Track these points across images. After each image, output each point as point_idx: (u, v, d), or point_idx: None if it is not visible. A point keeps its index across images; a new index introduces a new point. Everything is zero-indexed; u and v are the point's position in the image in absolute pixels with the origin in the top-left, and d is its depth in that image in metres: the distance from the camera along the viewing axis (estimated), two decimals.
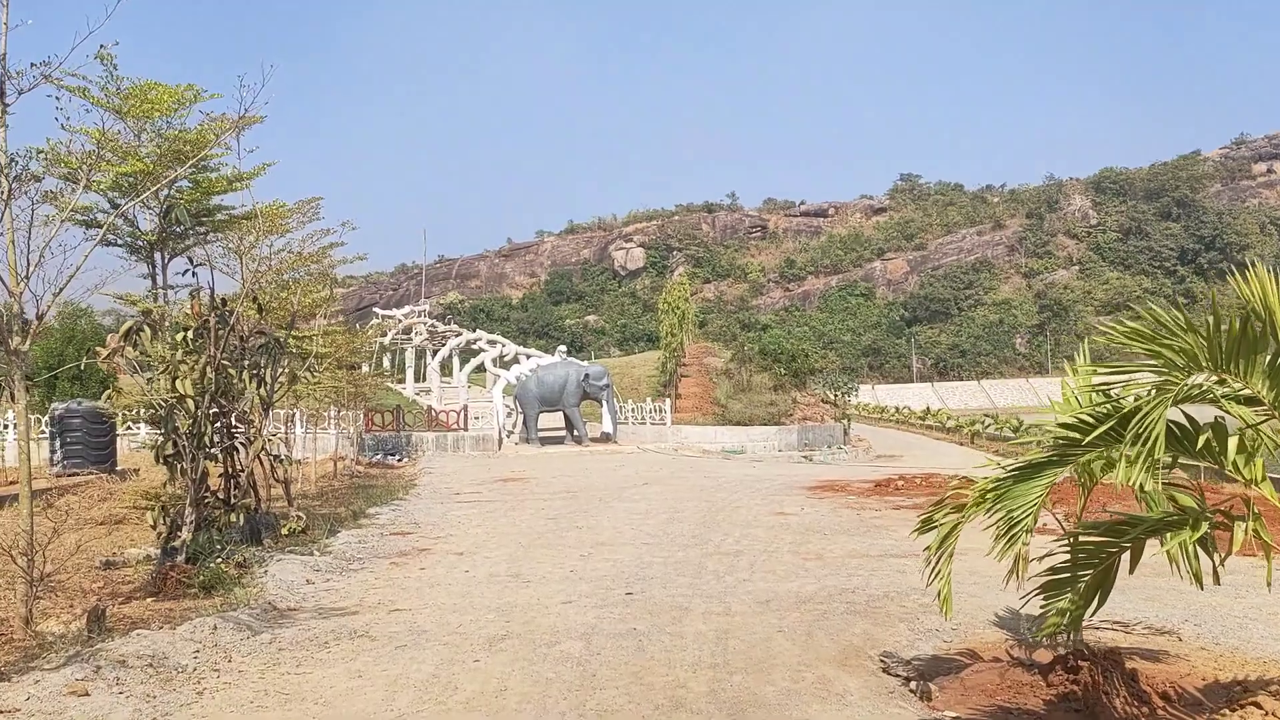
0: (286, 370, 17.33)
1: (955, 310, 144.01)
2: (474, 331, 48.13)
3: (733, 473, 24.48)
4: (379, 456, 33.92)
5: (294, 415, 27.31)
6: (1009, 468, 5.27)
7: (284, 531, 12.80)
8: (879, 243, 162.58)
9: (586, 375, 37.21)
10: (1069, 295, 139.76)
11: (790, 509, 15.71)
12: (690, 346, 54.87)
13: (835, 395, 54.19)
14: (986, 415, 51.84)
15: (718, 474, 24.01)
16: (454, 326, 54.72)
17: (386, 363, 52.12)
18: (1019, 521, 5.01)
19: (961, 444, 53.00)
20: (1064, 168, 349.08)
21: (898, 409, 78.35)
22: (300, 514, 13.37)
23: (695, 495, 18.41)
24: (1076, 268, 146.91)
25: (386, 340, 49.99)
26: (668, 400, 39.99)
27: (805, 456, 38.55)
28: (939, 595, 5.53)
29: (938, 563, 5.49)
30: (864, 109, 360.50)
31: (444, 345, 46.34)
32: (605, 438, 37.76)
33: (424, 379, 52.52)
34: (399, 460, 33.63)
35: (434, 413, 36.94)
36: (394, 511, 16.73)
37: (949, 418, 61.59)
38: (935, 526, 5.69)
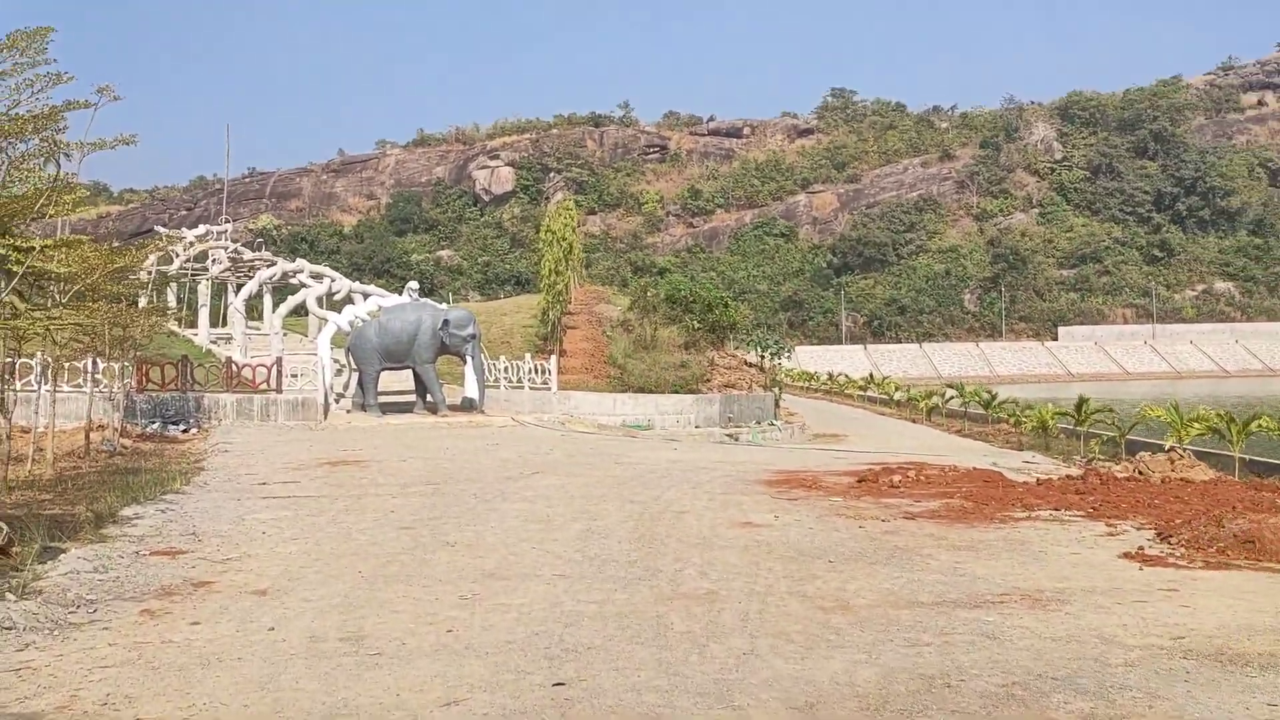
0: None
1: (894, 258, 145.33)
2: (292, 261, 44.28)
3: (651, 458, 21.99)
4: (156, 426, 30.26)
5: (16, 365, 23.53)
6: None
7: None
8: (804, 172, 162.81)
9: (445, 322, 34.15)
10: (1027, 244, 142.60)
11: (758, 516, 13.26)
12: (578, 290, 52.21)
13: (762, 357, 52.44)
14: (949, 386, 50.90)
15: (632, 459, 21.47)
16: (265, 255, 50.57)
17: (171, 299, 47.77)
18: None
19: (914, 420, 52.12)
20: (1026, 89, 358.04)
21: (830, 376, 77.62)
22: None
23: (613, 492, 15.80)
24: (1037, 211, 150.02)
25: (172, 269, 45.66)
26: (552, 358, 37.26)
27: (729, 435, 36.59)
28: None
29: None
30: (789, 7, 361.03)
31: (251, 278, 42.38)
32: (469, 405, 34.86)
33: (224, 323, 48.37)
34: (184, 431, 30.07)
35: (236, 367, 33.29)
36: (163, 514, 13.57)
37: (896, 388, 60.77)
38: None
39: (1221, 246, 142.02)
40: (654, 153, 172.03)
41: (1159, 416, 30.29)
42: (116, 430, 26.35)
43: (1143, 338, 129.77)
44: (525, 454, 22.50)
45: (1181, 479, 20.70)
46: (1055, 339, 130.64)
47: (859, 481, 17.09)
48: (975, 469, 19.39)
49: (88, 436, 23.09)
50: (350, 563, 10.50)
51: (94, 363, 25.82)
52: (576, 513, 13.64)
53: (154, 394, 31.77)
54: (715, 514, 13.49)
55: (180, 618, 8.30)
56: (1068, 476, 19.73)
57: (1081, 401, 36.70)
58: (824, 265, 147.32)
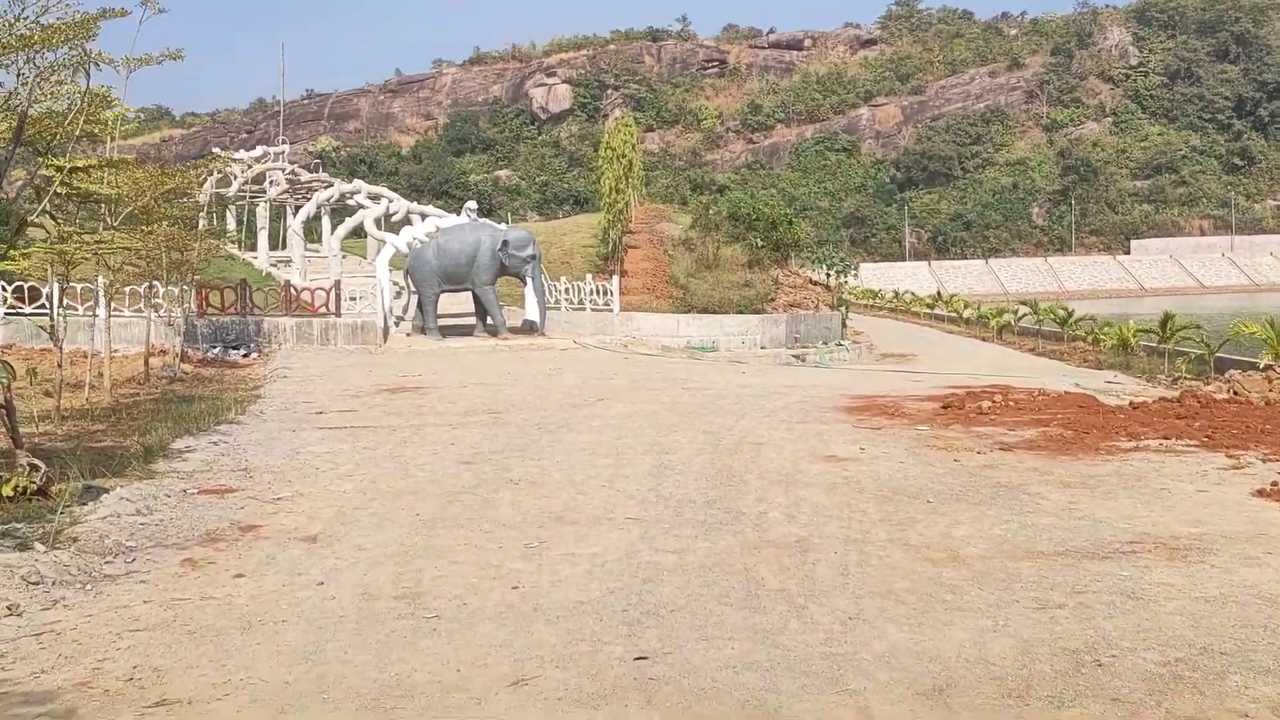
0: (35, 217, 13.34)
1: (959, 172, 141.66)
2: (350, 182, 43.49)
3: (719, 382, 21.08)
4: (217, 351, 29.91)
5: (65, 290, 23.10)
6: None
7: (2, 493, 9.00)
8: (866, 84, 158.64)
9: (505, 243, 33.25)
10: (1099, 154, 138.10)
11: (842, 448, 12.32)
12: (638, 209, 51.02)
13: (828, 275, 51.05)
14: (1021, 303, 49.22)
15: (700, 384, 20.57)
16: (323, 176, 49.86)
17: (231, 223, 47.37)
18: None
19: (985, 339, 50.57)
20: None
21: (896, 294, 75.88)
22: (32, 461, 9.51)
23: (683, 421, 14.93)
24: (1110, 120, 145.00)
25: (230, 192, 45.12)
26: (614, 279, 36.31)
27: (796, 356, 35.57)
28: None
29: None
30: None
31: (308, 200, 41.71)
32: (530, 328, 34.11)
33: (283, 246, 47.95)
34: (245, 356, 29.71)
35: (295, 291, 32.77)
36: (215, 446, 12.95)
37: (965, 305, 59.07)
38: None
39: None
40: (713, 67, 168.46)
41: (1254, 333, 28.70)
42: (177, 356, 26.00)
43: (1220, 250, 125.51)
44: (588, 379, 21.69)
45: None
46: (1128, 253, 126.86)
47: (944, 408, 16.05)
48: (1067, 393, 18.23)
49: (146, 362, 22.66)
50: (408, 503, 9.76)
51: (151, 287, 25.33)
52: (646, 445, 12.79)
53: (214, 318, 31.37)
54: (795, 446, 12.56)
55: (224, 569, 7.59)
56: (1163, 399, 18.53)
57: (1167, 318, 35.12)
58: (887, 180, 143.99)
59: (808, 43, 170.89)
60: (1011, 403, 16.45)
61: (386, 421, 15.36)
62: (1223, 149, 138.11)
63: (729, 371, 24.32)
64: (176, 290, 27.85)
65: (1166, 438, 13.01)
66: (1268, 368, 26.42)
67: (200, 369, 26.06)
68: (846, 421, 14.71)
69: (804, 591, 6.80)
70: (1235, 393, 23.75)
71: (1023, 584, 6.86)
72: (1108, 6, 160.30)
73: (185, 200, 26.79)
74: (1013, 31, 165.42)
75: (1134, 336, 36.33)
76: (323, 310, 32.27)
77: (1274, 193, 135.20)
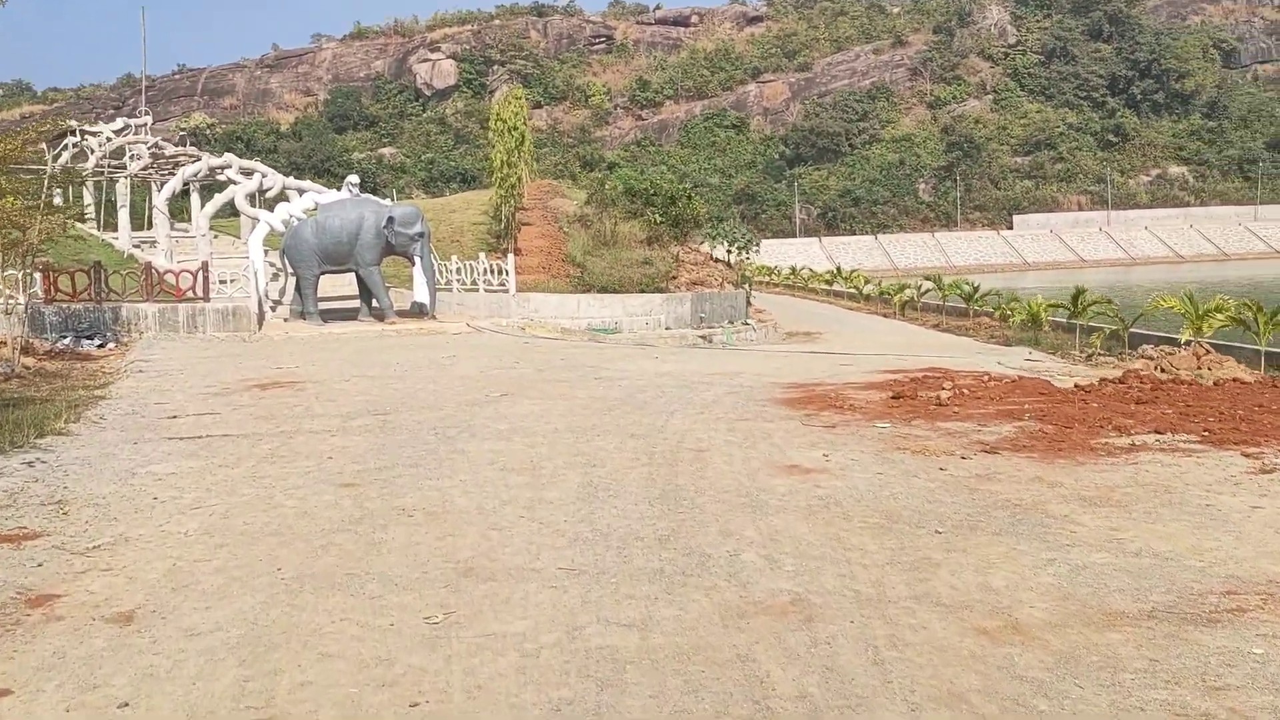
0: None
1: (847, 148, 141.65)
2: (220, 156, 40.11)
3: (634, 370, 18.93)
4: (67, 341, 26.70)
5: None
6: None
7: None
8: (754, 61, 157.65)
9: (390, 220, 30.58)
10: (981, 131, 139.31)
11: (801, 455, 10.29)
12: (530, 186, 48.53)
13: (729, 251, 49.25)
14: (925, 279, 48.11)
15: (613, 372, 18.39)
16: (190, 150, 46.23)
17: (88, 199, 43.50)
18: None
19: (887, 315, 49.42)
20: None
21: (794, 270, 74.65)
22: None
23: (605, 421, 12.74)
24: (991, 97, 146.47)
25: (88, 167, 41.28)
26: (510, 257, 33.87)
27: (703, 337, 33.66)
28: None
29: None
30: None
31: (174, 176, 38.28)
32: (419, 311, 31.53)
33: (149, 225, 44.26)
34: (100, 346, 26.56)
35: (157, 274, 29.63)
36: (28, 469, 10.33)
37: (866, 281, 57.94)
38: None
39: (1175, 130, 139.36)
40: (600, 43, 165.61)
41: (1172, 307, 27.62)
42: (17, 348, 22.89)
43: (1098, 224, 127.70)
44: (488, 368, 19.35)
45: (1234, 380, 18.15)
46: (1010, 228, 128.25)
47: (895, 398, 14.17)
48: (1021, 378, 16.56)
49: None
50: (268, 550, 7.39)
51: None
52: (568, 455, 10.57)
53: (65, 305, 28.11)
54: (746, 452, 10.47)
55: None
56: (1105, 380, 17.02)
57: (1078, 292, 34.05)
58: (776, 157, 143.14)
59: (694, 19, 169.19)
60: (967, 391, 14.66)
61: (252, 427, 12.85)
62: (1098, 126, 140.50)
63: (640, 356, 22.19)
64: (17, 274, 24.76)
65: (1159, 432, 11.29)
66: (1191, 344, 25.32)
67: (44, 362, 22.94)
68: (792, 417, 12.68)
69: (836, 699, 4.69)
70: (1162, 369, 22.47)
71: (1131, 674, 4.87)
72: None
73: (25, 173, 23.65)
74: (895, 9, 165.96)
75: (1044, 312, 35.27)
76: (189, 294, 29.22)
77: (1146, 168, 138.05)
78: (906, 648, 5.27)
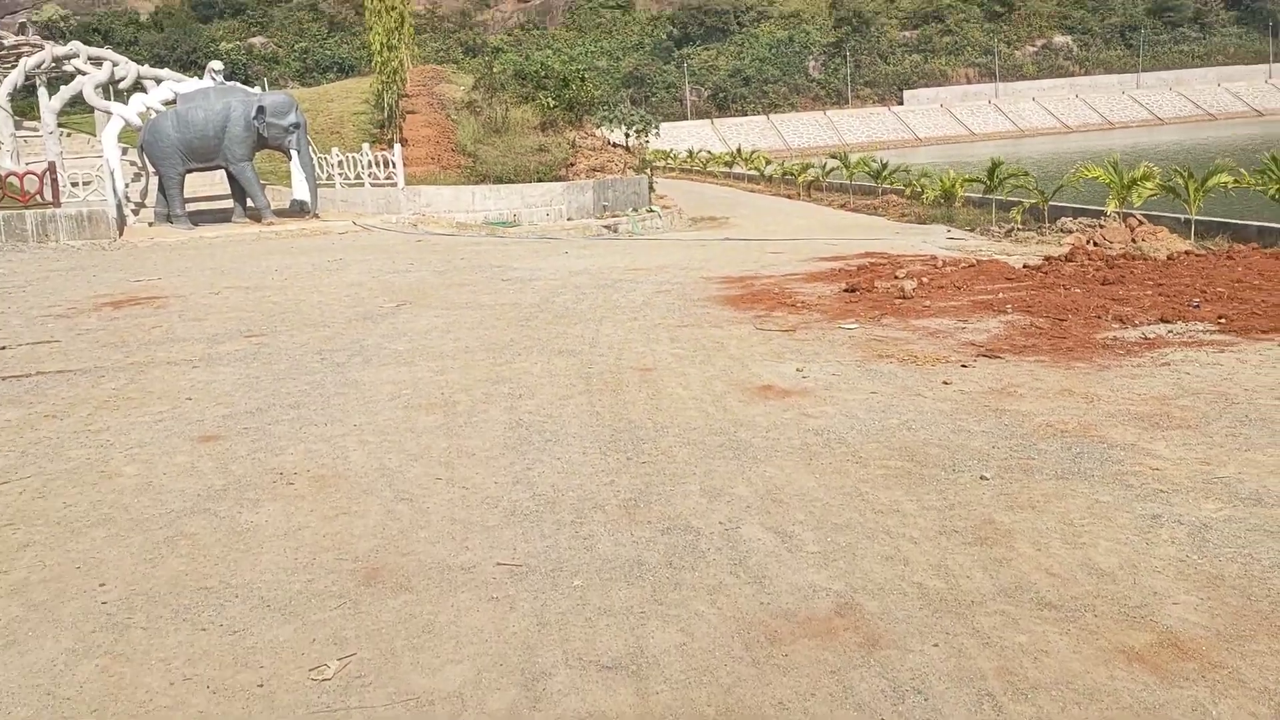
0: None
1: (735, 26, 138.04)
2: (66, 44, 36.06)
3: (544, 268, 16.88)
4: None
5: None
6: None
7: None
8: None
9: (261, 110, 27.57)
10: (869, 5, 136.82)
11: (767, 371, 8.48)
12: (412, 72, 45.20)
13: (627, 135, 46.81)
14: (831, 157, 46.32)
15: (522, 272, 16.32)
16: (33, 39, 41.74)
17: None
18: None
19: (792, 197, 47.74)
20: None
21: (691, 153, 72.36)
22: None
23: (523, 334, 10.75)
24: None
25: None
26: (396, 148, 31.13)
27: (607, 227, 31.54)
28: None
29: None
30: None
31: (15, 69, 34.28)
32: (300, 209, 28.76)
33: None
34: None
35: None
36: None
37: (767, 162, 56.06)
38: None
39: None
40: None
41: (1096, 177, 26.33)
42: None
43: (986, 97, 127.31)
44: (380, 272, 17.09)
45: (1186, 253, 16.94)
46: (901, 104, 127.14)
47: (849, 290, 12.44)
48: (979, 261, 14.97)
49: None
50: (90, 551, 5.33)
51: None
52: (486, 383, 8.58)
53: None
54: (703, 370, 8.61)
55: None
56: (1051, 259, 15.64)
57: (994, 165, 32.67)
58: (664, 37, 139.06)
59: None
60: (926, 280, 12.98)
61: (96, 359, 10.56)
62: None
63: (548, 252, 20.09)
64: None
65: (1166, 320, 9.76)
66: (1118, 214, 24.17)
67: None
68: (741, 320, 10.85)
69: None
70: (1095, 243, 21.21)
71: None
72: None
73: None
74: None
75: (959, 187, 33.92)
76: (35, 199, 26.05)
77: (1032, 39, 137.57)
78: (1036, 694, 3.52)
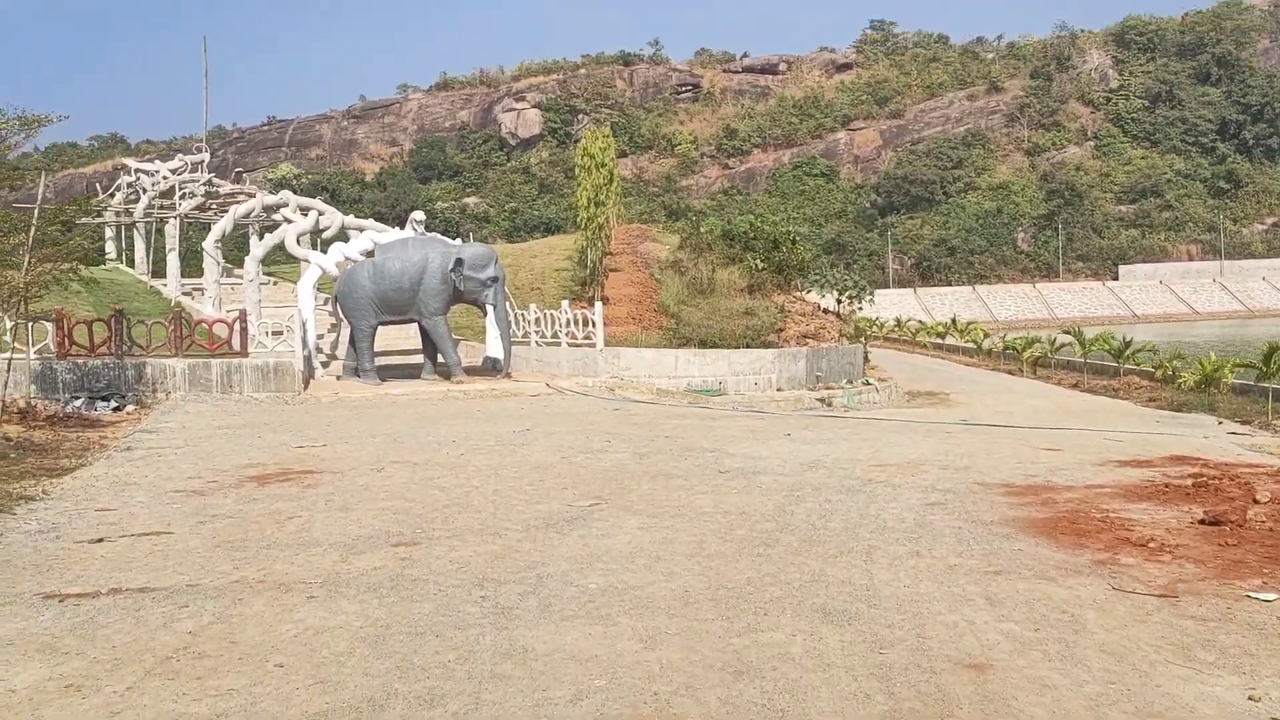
0: None
1: (941, 196, 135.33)
2: (277, 194, 35.99)
3: (769, 455, 13.77)
4: (80, 403, 22.42)
5: None
6: None
7: None
8: (843, 109, 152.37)
9: (459, 262, 25.97)
10: (1083, 178, 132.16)
11: (1184, 689, 5.08)
12: (618, 229, 43.76)
13: (839, 301, 43.92)
14: (1064, 332, 42.23)
15: (739, 460, 13.26)
16: (247, 187, 42.31)
17: (140, 245, 39.70)
18: None
19: (1013, 373, 43.63)
20: (1078, 16, 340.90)
21: (899, 322, 68.96)
22: None
23: (765, 570, 7.59)
24: (1092, 143, 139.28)
25: (139, 208, 37.51)
26: (597, 306, 29.03)
27: (821, 400, 28.39)
28: None
29: None
30: None
31: (225, 215, 34.20)
32: (492, 367, 26.76)
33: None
34: (116, 409, 22.24)
35: (186, 324, 25.26)
36: None
37: (985, 334, 52.14)
38: None
39: None
40: (686, 91, 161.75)
41: None
42: (17, 409, 18.81)
43: (1210, 275, 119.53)
44: (572, 451, 14.32)
45: None
46: (1116, 278, 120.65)
47: (1213, 523, 8.86)
48: None
49: None
50: None
51: None
52: (722, 673, 5.41)
53: (81, 360, 23.84)
54: (1071, 676, 5.27)
55: None
56: None
57: (1272, 349, 28.27)
58: (867, 205, 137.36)
59: (782, 67, 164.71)
60: None
61: (197, 569, 7.95)
62: (1208, 173, 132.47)
63: (765, 432, 17.01)
64: (9, 324, 20.66)
65: None
66: None
67: (38, 430, 18.52)
68: (1076, 568, 7.41)
69: None
70: None
71: None
72: (1085, 30, 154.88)
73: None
74: (989, 55, 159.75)
75: (1230, 372, 29.48)
76: (226, 348, 24.81)
77: (1261, 216, 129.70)
78: None
